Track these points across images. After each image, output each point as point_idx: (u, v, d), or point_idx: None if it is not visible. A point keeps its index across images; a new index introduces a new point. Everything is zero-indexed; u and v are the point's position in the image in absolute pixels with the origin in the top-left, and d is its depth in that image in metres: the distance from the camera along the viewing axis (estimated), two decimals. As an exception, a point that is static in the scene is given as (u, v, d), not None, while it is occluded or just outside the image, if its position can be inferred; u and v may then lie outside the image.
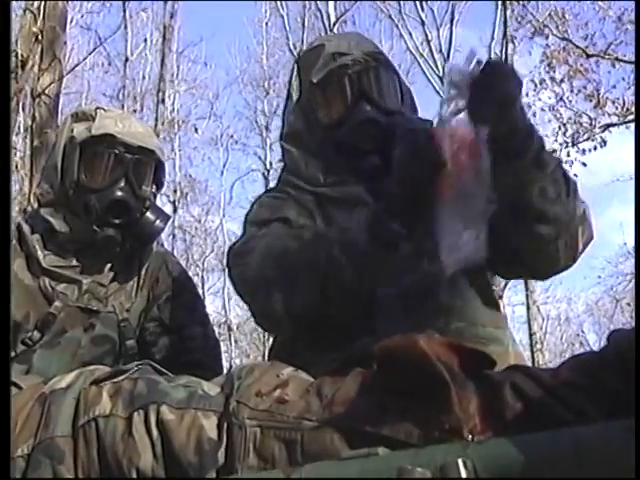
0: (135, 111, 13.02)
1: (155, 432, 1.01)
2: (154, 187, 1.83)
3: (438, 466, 0.74)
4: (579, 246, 1.34)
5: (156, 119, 13.23)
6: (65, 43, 6.78)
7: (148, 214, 1.78)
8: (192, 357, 1.74)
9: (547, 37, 10.50)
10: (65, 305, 1.73)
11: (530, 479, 0.72)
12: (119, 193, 1.74)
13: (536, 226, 1.28)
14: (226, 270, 1.55)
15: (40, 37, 5.82)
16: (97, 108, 1.81)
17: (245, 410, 0.99)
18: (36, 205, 1.87)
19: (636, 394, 0.72)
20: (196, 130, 14.42)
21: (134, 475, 1.00)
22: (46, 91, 5.95)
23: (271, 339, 1.63)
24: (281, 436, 0.95)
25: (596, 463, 0.70)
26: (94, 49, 9.47)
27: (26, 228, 1.79)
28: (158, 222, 1.79)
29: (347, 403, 0.93)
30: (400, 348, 0.89)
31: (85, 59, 10.03)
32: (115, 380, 1.09)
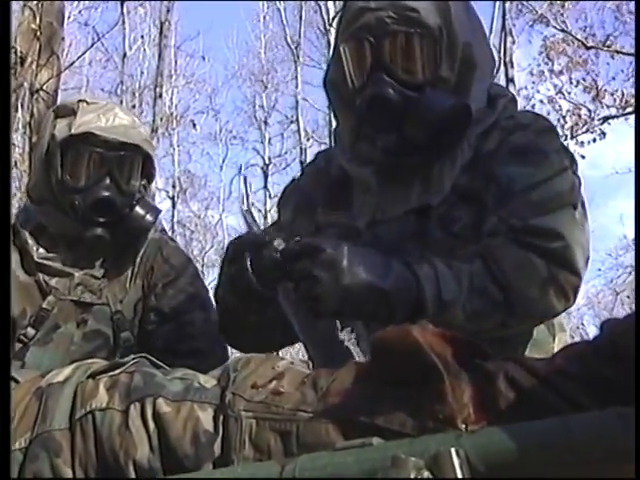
0: (134, 106, 13.02)
1: (152, 425, 1.01)
2: (144, 180, 1.81)
3: (431, 455, 0.75)
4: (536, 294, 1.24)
5: (154, 114, 13.22)
6: (63, 39, 6.79)
7: (137, 209, 1.76)
8: (192, 345, 1.71)
9: (547, 25, 10.50)
10: (58, 299, 1.73)
11: (523, 467, 0.73)
12: (103, 192, 1.72)
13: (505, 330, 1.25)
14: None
15: (38, 33, 5.82)
16: (79, 101, 1.77)
17: (241, 402, 0.99)
18: (27, 200, 1.86)
19: (636, 386, 0.72)
20: (194, 125, 14.44)
21: (131, 467, 1.00)
22: (44, 87, 5.96)
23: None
24: (277, 427, 0.95)
25: (589, 451, 0.71)
26: (92, 45, 9.48)
27: (17, 223, 1.78)
28: (148, 216, 1.77)
29: (342, 394, 0.93)
30: (393, 338, 0.90)
31: (83, 55, 10.04)
32: (112, 373, 1.10)
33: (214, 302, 1.44)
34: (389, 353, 0.90)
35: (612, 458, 0.69)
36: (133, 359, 1.13)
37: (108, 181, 1.72)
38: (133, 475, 1.00)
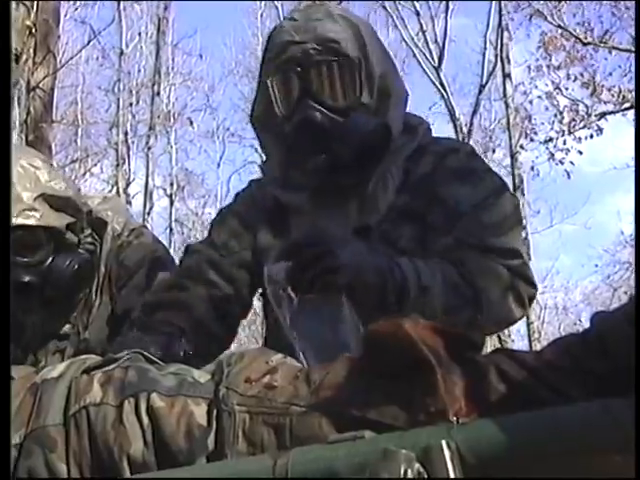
0: (131, 104, 13.01)
1: (145, 419, 1.02)
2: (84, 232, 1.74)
3: (422, 448, 0.75)
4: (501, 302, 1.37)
5: (152, 112, 13.21)
6: (59, 36, 6.77)
7: (58, 261, 1.67)
8: None
9: (545, 19, 10.48)
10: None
11: (512, 459, 0.73)
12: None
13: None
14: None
15: (33, 31, 5.80)
16: None
17: (234, 396, 1.00)
18: None
19: (636, 384, 0.72)
20: (191, 123, 14.40)
21: (125, 462, 1.01)
22: (40, 85, 5.95)
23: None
24: (270, 421, 0.96)
25: (577, 442, 0.71)
26: (88, 42, 9.47)
27: None
28: (72, 264, 1.68)
29: (334, 388, 0.94)
30: (385, 332, 0.90)
31: (79, 52, 10.03)
32: (106, 369, 1.10)
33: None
34: (381, 347, 0.91)
35: (600, 449, 0.70)
36: (127, 354, 1.14)
37: None
38: (127, 469, 1.00)
